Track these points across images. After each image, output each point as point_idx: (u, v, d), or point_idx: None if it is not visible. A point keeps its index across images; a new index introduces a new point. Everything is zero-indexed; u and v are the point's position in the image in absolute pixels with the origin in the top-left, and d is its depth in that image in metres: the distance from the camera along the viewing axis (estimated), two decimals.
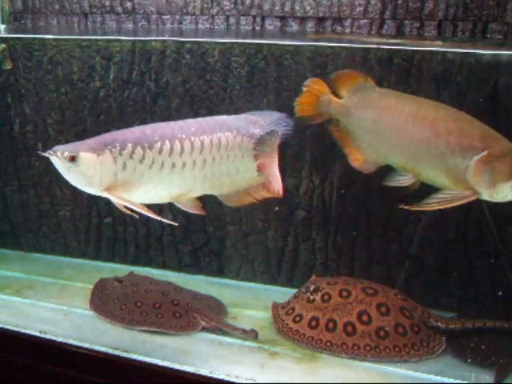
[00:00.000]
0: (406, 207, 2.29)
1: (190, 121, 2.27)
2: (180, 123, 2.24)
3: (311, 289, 2.59)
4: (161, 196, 2.23)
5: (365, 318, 2.42)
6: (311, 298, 2.56)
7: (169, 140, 2.13)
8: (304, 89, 2.57)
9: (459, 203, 2.20)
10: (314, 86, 2.57)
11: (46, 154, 2.09)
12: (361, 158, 2.54)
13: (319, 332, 2.44)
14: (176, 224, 2.25)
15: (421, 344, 2.38)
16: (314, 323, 2.47)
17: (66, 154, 2.07)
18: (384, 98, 2.43)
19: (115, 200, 2.13)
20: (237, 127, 2.29)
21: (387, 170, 2.50)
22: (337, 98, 2.55)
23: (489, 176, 2.11)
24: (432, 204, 2.24)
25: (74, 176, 2.11)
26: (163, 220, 2.20)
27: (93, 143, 2.13)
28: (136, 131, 2.17)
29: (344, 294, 2.51)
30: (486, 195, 2.18)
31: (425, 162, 2.27)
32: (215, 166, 2.24)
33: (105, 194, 2.13)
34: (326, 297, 2.53)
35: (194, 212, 2.31)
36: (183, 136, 2.15)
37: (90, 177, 2.10)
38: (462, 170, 2.16)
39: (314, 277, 2.71)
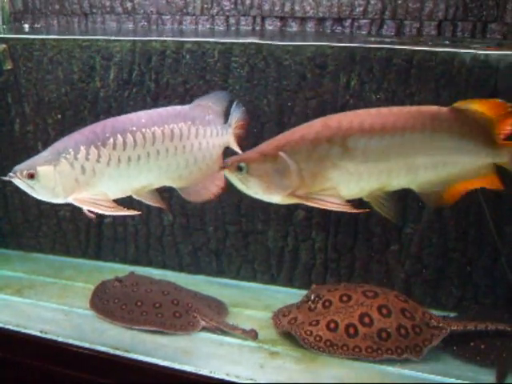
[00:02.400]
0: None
1: (141, 113, 2.26)
2: (130, 116, 2.24)
3: (312, 298, 2.57)
4: (123, 190, 2.23)
5: (366, 319, 2.41)
6: (312, 306, 2.55)
7: (120, 134, 2.12)
8: None
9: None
10: None
11: (7, 178, 2.12)
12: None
13: (319, 329, 2.43)
14: (138, 213, 2.22)
15: (423, 344, 2.37)
16: (314, 323, 2.47)
17: (25, 172, 2.09)
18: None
19: (83, 206, 2.15)
20: (192, 117, 2.27)
21: None
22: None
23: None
24: None
25: (38, 191, 2.13)
26: (126, 213, 2.17)
27: (47, 155, 2.14)
28: (86, 132, 2.17)
29: (344, 298, 2.51)
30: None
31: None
32: (170, 157, 2.22)
33: (73, 202, 2.15)
34: (327, 303, 2.52)
35: (155, 205, 2.32)
36: (134, 129, 2.15)
37: (53, 188, 2.11)
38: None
39: (314, 286, 2.70)
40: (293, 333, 2.48)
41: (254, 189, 2.06)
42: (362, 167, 2.02)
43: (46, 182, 2.10)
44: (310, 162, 2.00)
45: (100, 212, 2.13)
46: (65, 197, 2.14)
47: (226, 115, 2.40)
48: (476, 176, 2.11)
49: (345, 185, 2.04)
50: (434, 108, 2.09)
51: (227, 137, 2.36)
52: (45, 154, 2.15)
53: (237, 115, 2.38)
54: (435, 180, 2.09)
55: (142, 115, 2.23)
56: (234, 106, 2.41)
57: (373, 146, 2.01)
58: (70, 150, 2.10)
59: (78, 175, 2.10)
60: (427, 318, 2.46)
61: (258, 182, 2.03)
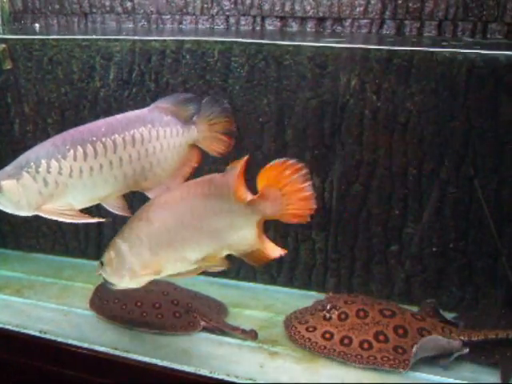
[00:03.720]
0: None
1: (101, 121, 2.27)
2: (90, 125, 2.24)
3: (328, 307, 2.53)
4: (90, 199, 2.25)
5: (381, 338, 2.37)
6: (327, 315, 2.51)
7: (80, 145, 2.14)
8: None
9: None
10: None
11: None
12: None
13: (333, 343, 2.40)
14: (103, 220, 2.26)
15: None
16: (327, 335, 2.44)
17: None
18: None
19: (49, 217, 2.18)
20: (151, 119, 2.27)
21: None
22: None
23: None
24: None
25: (4, 204, 2.17)
26: (92, 221, 2.22)
27: (10, 169, 2.17)
28: (47, 144, 2.19)
29: (361, 314, 2.47)
30: None
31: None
32: (134, 163, 2.23)
33: (38, 213, 2.18)
34: (343, 316, 2.48)
35: (121, 213, 2.33)
36: (94, 139, 2.16)
37: (17, 202, 2.14)
38: None
39: (330, 293, 2.67)
40: (306, 349, 2.44)
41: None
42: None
43: (10, 196, 2.14)
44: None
45: (67, 221, 2.19)
46: (30, 209, 2.17)
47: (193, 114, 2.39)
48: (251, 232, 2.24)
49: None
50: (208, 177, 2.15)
51: (190, 135, 2.35)
52: (8, 169, 2.19)
53: (206, 112, 2.38)
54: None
55: (102, 124, 2.24)
56: (203, 102, 2.39)
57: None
58: (32, 163, 2.13)
59: (41, 188, 2.14)
60: (447, 332, 2.41)
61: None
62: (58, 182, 2.14)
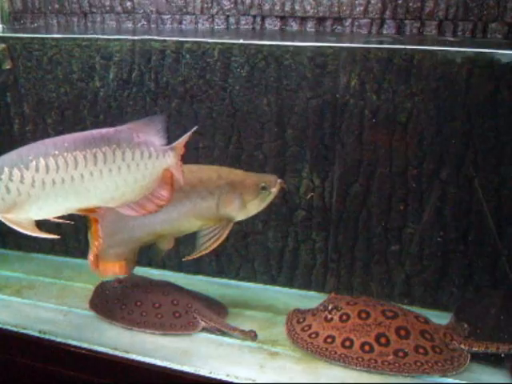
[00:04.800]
0: (186, 259, 2.58)
1: (68, 136, 2.31)
2: (56, 139, 2.28)
3: (330, 308, 2.52)
4: (55, 211, 2.31)
5: (383, 340, 2.35)
6: (329, 317, 2.49)
7: (43, 157, 2.18)
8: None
9: (227, 232, 2.55)
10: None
11: None
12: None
13: (334, 346, 2.38)
14: (55, 237, 2.31)
15: (444, 362, 2.30)
16: (329, 340, 2.42)
17: None
18: None
19: (10, 225, 2.25)
20: (117, 140, 2.29)
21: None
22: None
23: (238, 201, 2.53)
24: (207, 246, 2.54)
25: None
26: (43, 235, 2.30)
27: None
28: (13, 154, 2.23)
29: (363, 315, 2.44)
30: (241, 216, 2.58)
31: (180, 220, 2.53)
32: (97, 181, 2.27)
33: (2, 219, 2.24)
34: (345, 317, 2.46)
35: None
36: (57, 152, 2.20)
37: None
38: (214, 208, 2.52)
39: (333, 294, 2.64)
40: (308, 352, 2.43)
41: None
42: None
43: None
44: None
45: (22, 231, 2.28)
46: None
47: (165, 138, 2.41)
48: None
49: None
50: None
51: (167, 160, 2.37)
52: None
53: (183, 139, 2.42)
54: None
55: (67, 139, 2.28)
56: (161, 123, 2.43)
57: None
58: None
59: (4, 195, 2.19)
60: (448, 339, 2.39)
61: None
62: (20, 190, 2.18)
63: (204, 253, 2.54)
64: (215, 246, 2.54)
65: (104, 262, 2.55)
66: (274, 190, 2.57)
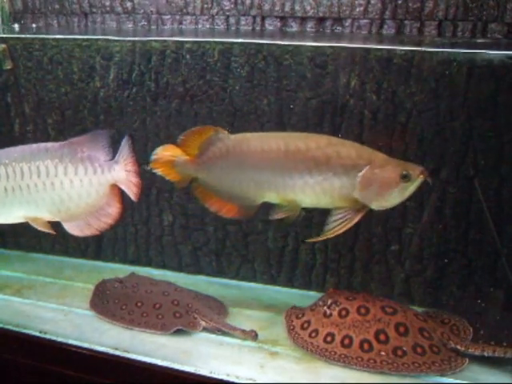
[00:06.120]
0: (310, 240, 2.53)
1: (18, 148, 2.41)
2: (10, 149, 2.39)
3: (328, 303, 2.51)
4: (7, 217, 2.41)
5: (382, 337, 2.35)
6: (328, 312, 2.48)
7: None
8: (154, 157, 2.53)
9: (357, 219, 2.35)
10: (164, 152, 2.53)
11: None
12: (234, 206, 2.52)
13: (334, 346, 2.38)
14: None
15: (442, 362, 2.30)
16: (329, 339, 2.41)
17: None
18: (244, 143, 2.45)
19: None
20: (60, 155, 2.36)
21: None
22: (190, 157, 2.52)
23: (376, 187, 2.29)
24: (333, 230, 2.36)
25: None
26: None
27: None
28: None
29: (362, 311, 2.44)
30: (376, 205, 2.34)
31: (306, 190, 2.36)
32: (41, 193, 2.35)
33: None
34: (344, 312, 2.45)
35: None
36: (7, 161, 2.32)
37: None
38: (348, 189, 2.31)
39: (331, 289, 2.63)
40: (306, 351, 2.42)
41: None
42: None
43: None
44: None
45: None
46: None
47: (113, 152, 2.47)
48: None
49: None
50: None
51: (113, 174, 2.40)
52: None
53: (127, 151, 2.45)
54: None
55: (18, 150, 2.39)
56: (123, 142, 2.48)
57: None
58: None
59: None
60: (446, 338, 2.38)
61: None
62: None
63: (329, 237, 2.38)
64: (342, 231, 2.36)
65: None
66: (417, 181, 2.30)
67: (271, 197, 2.46)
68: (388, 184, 2.29)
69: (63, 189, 2.36)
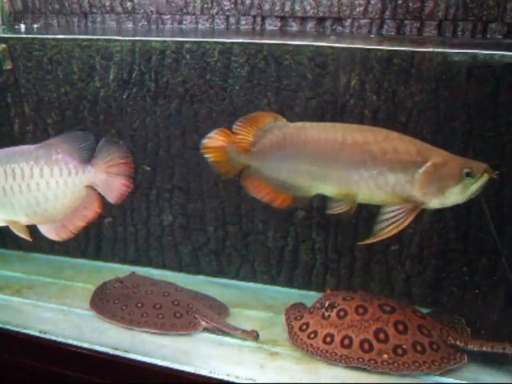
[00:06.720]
0: (362, 243, 2.34)
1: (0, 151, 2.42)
2: None
3: (326, 305, 2.50)
4: None
5: (382, 336, 2.35)
6: (326, 314, 2.48)
7: None
8: (206, 140, 2.51)
9: (411, 219, 2.23)
10: (218, 137, 2.50)
11: None
12: (288, 197, 2.46)
13: (334, 347, 2.37)
14: None
15: (441, 360, 2.29)
16: (328, 339, 2.41)
17: None
18: (302, 131, 2.39)
19: None
20: (35, 157, 2.36)
21: None
22: (244, 145, 2.47)
23: (437, 185, 2.18)
24: (387, 231, 2.24)
25: None
26: None
27: None
28: None
29: (360, 310, 2.43)
30: (436, 203, 2.23)
31: (361, 184, 2.28)
32: (17, 195, 2.36)
33: None
34: (342, 313, 2.45)
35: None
36: None
37: None
38: (404, 185, 2.21)
39: (328, 291, 2.63)
40: (308, 353, 2.41)
41: None
42: None
43: None
44: None
45: None
46: None
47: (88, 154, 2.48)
48: None
49: None
50: None
51: (87, 176, 2.40)
52: None
53: (105, 153, 2.44)
54: None
55: None
56: (100, 143, 2.48)
57: None
58: None
59: None
60: (445, 335, 2.38)
61: None
62: None
63: (382, 238, 2.25)
64: (395, 231, 2.24)
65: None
66: (481, 180, 2.18)
67: (326, 189, 2.38)
68: (450, 181, 2.18)
69: (39, 190, 2.37)
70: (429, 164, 2.19)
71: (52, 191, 2.38)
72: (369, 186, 2.26)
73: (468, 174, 2.16)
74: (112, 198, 2.47)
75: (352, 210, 2.35)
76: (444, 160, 2.21)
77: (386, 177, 2.22)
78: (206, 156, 2.52)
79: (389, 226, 2.24)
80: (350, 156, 2.26)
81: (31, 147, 2.43)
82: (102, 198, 2.48)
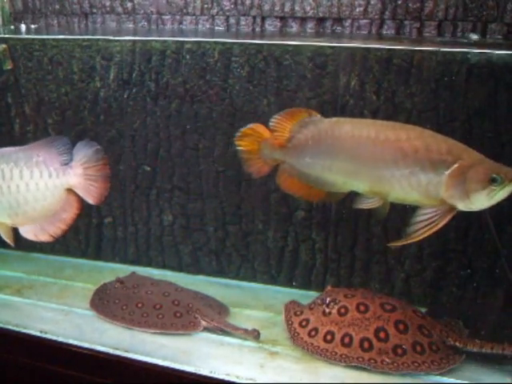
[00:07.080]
0: (393, 244, 2.31)
1: None
2: None
3: (327, 302, 2.49)
4: None
5: (382, 335, 2.34)
6: (327, 311, 2.47)
7: None
8: (240, 134, 2.51)
9: (446, 221, 2.17)
10: (254, 129, 2.50)
11: None
12: (321, 192, 2.45)
13: (334, 346, 2.37)
14: None
15: (441, 361, 2.29)
16: (329, 337, 2.41)
17: None
18: (336, 127, 2.37)
19: None
20: (15, 159, 2.39)
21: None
22: (279, 141, 2.46)
23: (462, 187, 2.10)
24: (419, 233, 2.18)
25: None
26: None
27: None
28: None
29: (362, 308, 2.42)
30: (462, 206, 2.15)
31: (392, 182, 2.23)
32: None
33: None
34: (343, 310, 2.44)
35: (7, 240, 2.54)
36: None
37: None
38: (434, 186, 2.14)
39: (329, 287, 2.61)
40: (308, 352, 2.41)
41: None
42: None
43: None
44: None
45: None
46: None
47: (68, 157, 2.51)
48: None
49: None
50: None
51: (67, 178, 2.43)
52: None
53: (82, 155, 2.46)
54: None
55: None
56: (77, 146, 2.51)
57: None
58: None
59: None
60: (444, 335, 2.38)
61: None
62: None
63: (414, 240, 2.19)
64: (428, 234, 2.17)
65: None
66: (510, 186, 2.07)
67: (359, 186, 2.33)
68: (475, 186, 2.09)
69: (19, 192, 2.39)
70: (455, 166, 2.12)
71: (32, 193, 2.42)
72: (401, 186, 2.21)
73: (494, 180, 2.06)
74: (92, 199, 2.52)
75: (385, 209, 2.32)
76: (472, 162, 2.12)
77: (416, 176, 2.16)
78: (240, 149, 2.51)
79: (423, 228, 2.18)
80: (381, 153, 2.22)
81: (12, 149, 2.46)
82: (81, 201, 2.51)
